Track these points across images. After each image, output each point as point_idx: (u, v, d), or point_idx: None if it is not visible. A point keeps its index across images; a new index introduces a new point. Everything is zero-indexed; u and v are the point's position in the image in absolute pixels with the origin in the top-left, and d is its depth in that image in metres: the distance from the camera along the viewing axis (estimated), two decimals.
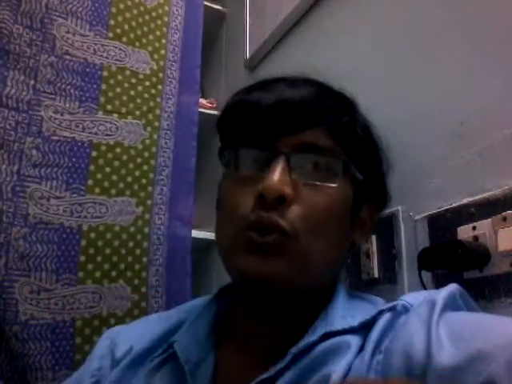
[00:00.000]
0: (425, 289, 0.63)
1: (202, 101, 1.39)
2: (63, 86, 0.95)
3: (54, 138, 0.92)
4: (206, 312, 0.57)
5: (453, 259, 0.58)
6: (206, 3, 1.43)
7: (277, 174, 0.47)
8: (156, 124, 1.05)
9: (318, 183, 0.49)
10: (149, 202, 1.01)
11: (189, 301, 0.68)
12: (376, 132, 0.59)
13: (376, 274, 0.74)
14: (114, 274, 0.93)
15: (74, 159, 0.94)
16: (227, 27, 1.51)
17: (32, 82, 0.92)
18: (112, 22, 1.04)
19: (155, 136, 1.04)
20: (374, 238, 0.75)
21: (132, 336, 0.58)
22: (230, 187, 0.53)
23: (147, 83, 1.06)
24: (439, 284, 0.63)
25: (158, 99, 1.07)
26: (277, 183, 0.47)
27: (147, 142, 1.03)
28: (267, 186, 0.47)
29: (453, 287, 0.45)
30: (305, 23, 1.07)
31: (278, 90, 0.53)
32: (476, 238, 0.59)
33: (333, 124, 0.51)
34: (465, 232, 0.61)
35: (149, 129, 1.04)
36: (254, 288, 0.49)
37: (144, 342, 0.56)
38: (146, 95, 1.05)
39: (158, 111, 1.06)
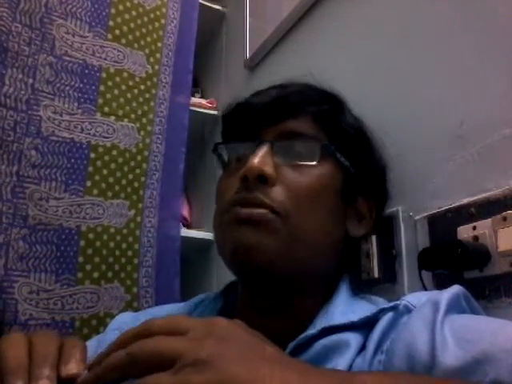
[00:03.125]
0: (425, 289, 0.63)
1: (202, 101, 1.39)
2: (62, 87, 0.96)
3: (52, 138, 0.93)
4: (212, 306, 0.58)
5: (453, 259, 0.58)
6: (206, 3, 1.43)
7: (258, 157, 0.50)
8: (149, 128, 1.06)
9: (299, 163, 0.52)
10: (140, 205, 1.02)
11: (177, 301, 0.69)
12: (367, 127, 0.60)
13: (376, 274, 0.74)
14: (109, 274, 0.94)
15: (72, 160, 0.94)
16: (227, 27, 1.51)
17: (30, 81, 0.92)
18: (111, 23, 1.04)
19: (148, 140, 1.06)
20: (373, 238, 0.75)
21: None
22: (222, 179, 0.56)
23: (142, 87, 1.06)
24: (439, 284, 0.63)
25: (152, 103, 1.08)
26: (257, 163, 0.49)
27: (140, 145, 1.04)
28: (248, 167, 0.49)
29: (456, 289, 0.45)
30: (305, 23, 1.07)
31: (269, 92, 0.57)
32: (476, 238, 0.59)
33: (316, 112, 0.54)
34: (465, 232, 0.61)
35: (142, 133, 1.05)
36: (241, 263, 0.50)
37: None
38: (140, 99, 1.06)
39: (151, 115, 1.07)
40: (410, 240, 0.70)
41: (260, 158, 0.50)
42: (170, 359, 0.29)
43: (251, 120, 0.55)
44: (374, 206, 0.60)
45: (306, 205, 0.50)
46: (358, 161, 0.56)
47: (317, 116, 0.54)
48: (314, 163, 0.52)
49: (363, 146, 0.58)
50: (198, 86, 1.55)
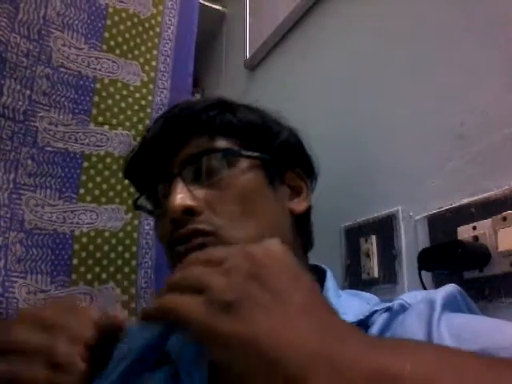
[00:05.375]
0: (425, 289, 0.63)
1: None
2: (58, 99, 0.98)
3: (48, 148, 0.96)
4: None
5: (453, 259, 0.58)
6: (206, 3, 1.43)
7: (174, 194, 0.50)
8: None
9: (213, 181, 0.51)
10: None
11: None
12: (260, 110, 0.59)
13: (376, 274, 0.74)
14: (104, 276, 0.97)
15: (66, 169, 0.98)
16: (227, 27, 1.51)
17: (28, 92, 0.95)
18: (106, 35, 1.07)
19: None
20: (373, 238, 0.75)
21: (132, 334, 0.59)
22: (156, 223, 0.56)
23: (137, 95, 1.09)
24: (439, 284, 0.63)
25: (148, 110, 1.10)
26: (176, 201, 0.49)
27: None
28: (170, 208, 0.49)
29: (451, 287, 0.45)
30: (305, 23, 1.07)
31: (156, 125, 0.56)
32: (476, 238, 0.59)
33: (203, 123, 0.53)
34: (465, 232, 0.61)
35: (138, 139, 1.07)
36: None
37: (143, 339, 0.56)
38: (136, 107, 1.08)
39: (147, 122, 1.09)
40: (410, 240, 0.70)
41: (177, 194, 0.49)
42: (201, 290, 0.30)
43: (152, 162, 0.54)
44: (302, 173, 0.59)
45: (239, 216, 0.50)
46: (266, 144, 0.55)
47: (205, 127, 0.53)
48: (225, 174, 0.51)
49: (263, 130, 0.57)
50: (198, 86, 1.55)
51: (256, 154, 0.53)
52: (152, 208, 0.57)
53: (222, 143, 0.53)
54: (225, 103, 0.56)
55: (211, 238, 0.48)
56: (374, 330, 0.44)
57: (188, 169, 0.52)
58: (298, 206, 0.57)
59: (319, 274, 0.57)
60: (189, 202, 0.49)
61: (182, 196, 0.49)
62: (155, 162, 0.54)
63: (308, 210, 0.59)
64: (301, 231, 0.57)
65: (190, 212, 0.49)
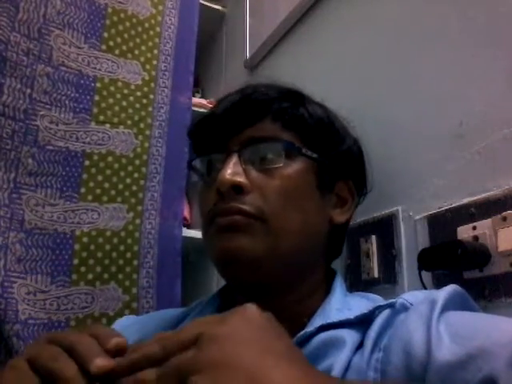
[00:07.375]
0: (425, 289, 0.63)
1: (202, 101, 1.39)
2: (58, 97, 0.98)
3: (48, 147, 0.96)
4: (210, 305, 0.59)
5: (453, 259, 0.58)
6: (206, 3, 1.44)
7: (227, 168, 0.51)
8: (147, 133, 1.08)
9: (267, 167, 0.53)
10: (139, 207, 1.04)
11: (179, 301, 0.68)
12: (331, 112, 0.60)
13: (376, 274, 0.74)
14: (105, 276, 0.96)
15: (67, 168, 0.98)
16: (227, 27, 1.51)
17: (28, 91, 0.94)
18: (106, 35, 1.07)
19: (146, 144, 1.08)
20: (373, 238, 0.75)
21: (141, 328, 0.59)
22: (201, 192, 0.58)
23: (138, 93, 1.09)
24: (439, 284, 0.63)
25: (150, 108, 1.10)
26: (228, 175, 0.51)
27: (138, 150, 1.07)
28: (220, 180, 0.51)
29: (453, 287, 0.45)
30: (304, 23, 1.07)
31: (229, 98, 0.57)
32: (476, 238, 0.59)
33: (274, 112, 0.55)
34: (465, 232, 0.61)
35: (140, 137, 1.07)
36: (228, 267, 0.52)
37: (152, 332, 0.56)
38: (137, 105, 1.08)
39: (149, 120, 1.09)
40: (410, 240, 0.70)
41: (230, 169, 0.51)
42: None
43: (216, 131, 0.56)
44: (353, 187, 0.60)
45: (282, 206, 0.51)
46: (329, 148, 0.57)
47: (276, 115, 0.55)
48: (281, 165, 0.53)
49: (330, 133, 0.58)
50: (198, 86, 1.55)
51: (315, 156, 0.55)
52: (203, 173, 0.59)
53: (287, 135, 0.54)
54: (299, 96, 0.58)
55: (254, 222, 0.50)
56: (376, 325, 0.45)
57: (247, 149, 0.53)
58: (339, 216, 0.58)
59: (330, 275, 0.58)
60: (239, 178, 0.51)
61: (234, 171, 0.51)
62: (219, 133, 0.56)
63: (346, 223, 0.60)
64: (333, 240, 0.59)
65: (237, 189, 0.51)
